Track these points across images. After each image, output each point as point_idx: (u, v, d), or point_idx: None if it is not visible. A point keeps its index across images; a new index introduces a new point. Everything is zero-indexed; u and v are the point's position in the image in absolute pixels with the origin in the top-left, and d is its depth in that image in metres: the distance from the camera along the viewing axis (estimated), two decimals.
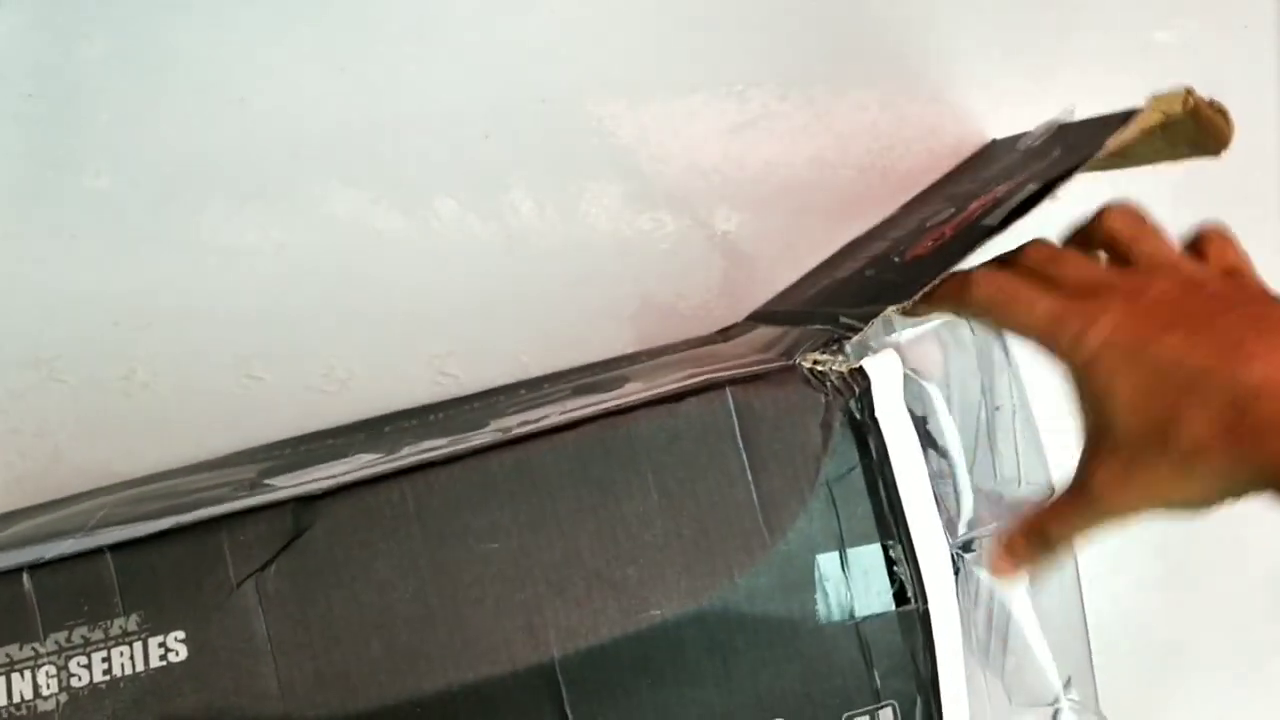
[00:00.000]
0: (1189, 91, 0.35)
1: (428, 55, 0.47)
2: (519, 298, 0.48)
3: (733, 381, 0.33)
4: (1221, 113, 0.35)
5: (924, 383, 0.37)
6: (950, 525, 0.37)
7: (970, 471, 0.38)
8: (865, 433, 0.34)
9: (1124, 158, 0.38)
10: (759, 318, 0.48)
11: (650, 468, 0.33)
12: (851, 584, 0.33)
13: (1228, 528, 0.50)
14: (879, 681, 0.33)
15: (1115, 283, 0.33)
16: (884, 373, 0.34)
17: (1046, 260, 0.34)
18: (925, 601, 0.33)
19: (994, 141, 0.50)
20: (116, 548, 0.31)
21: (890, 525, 0.33)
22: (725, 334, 0.48)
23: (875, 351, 0.34)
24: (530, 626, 0.32)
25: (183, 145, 0.46)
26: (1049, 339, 0.32)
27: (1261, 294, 0.32)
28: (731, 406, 0.33)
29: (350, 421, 0.46)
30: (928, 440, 0.36)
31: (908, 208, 0.49)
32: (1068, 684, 0.39)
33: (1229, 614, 0.53)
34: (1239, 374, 0.29)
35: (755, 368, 0.34)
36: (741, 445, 0.33)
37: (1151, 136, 0.36)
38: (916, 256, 0.38)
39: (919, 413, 0.37)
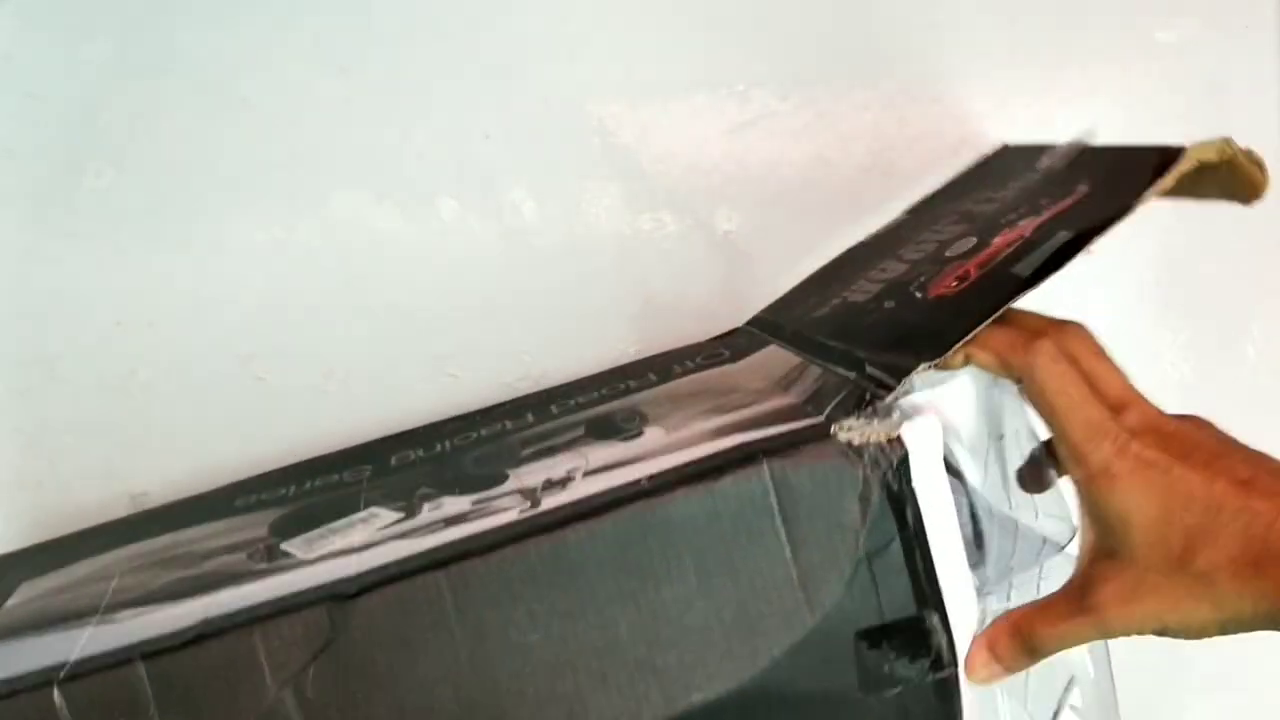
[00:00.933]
0: (1227, 141, 0.35)
1: (428, 55, 0.47)
2: (520, 298, 0.48)
3: (768, 452, 0.32)
4: (1258, 164, 0.35)
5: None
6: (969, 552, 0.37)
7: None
8: (903, 503, 0.33)
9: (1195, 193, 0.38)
10: (763, 325, 0.47)
11: (689, 550, 0.32)
12: (891, 656, 0.33)
13: None
14: None
15: (1141, 405, 0.34)
16: (923, 439, 0.33)
17: (1092, 356, 0.34)
18: (956, 665, 0.33)
19: (1006, 148, 0.50)
20: (147, 655, 0.30)
21: (926, 594, 0.33)
22: (729, 343, 0.47)
23: (909, 414, 0.34)
24: (572, 716, 0.31)
25: (183, 145, 0.46)
26: (1081, 450, 0.33)
27: (1246, 447, 0.33)
28: (770, 483, 0.32)
29: (351, 446, 0.46)
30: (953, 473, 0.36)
31: (916, 214, 0.49)
32: (1069, 685, 0.39)
33: None
34: (1254, 506, 0.30)
35: (788, 427, 0.34)
36: (780, 523, 0.32)
37: (1182, 180, 0.36)
38: (940, 295, 0.38)
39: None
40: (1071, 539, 0.37)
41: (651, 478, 0.33)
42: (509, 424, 0.43)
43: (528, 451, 0.39)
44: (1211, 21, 0.52)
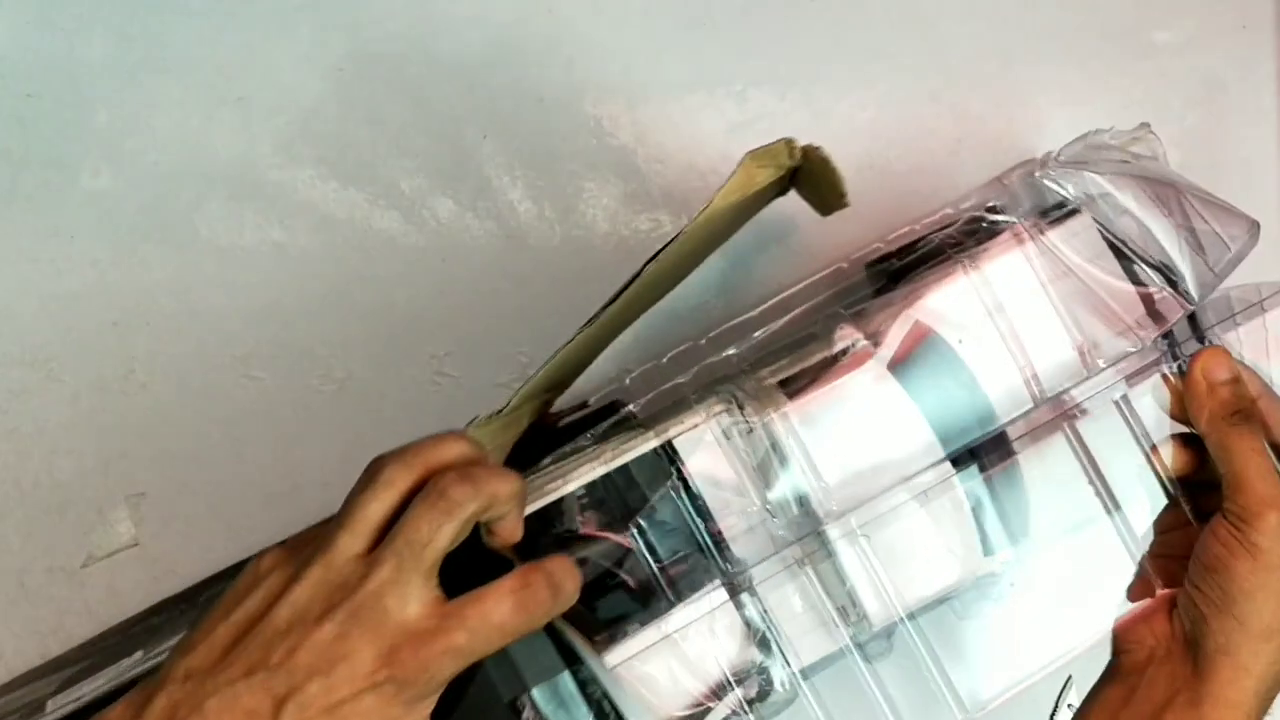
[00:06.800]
0: (788, 141, 0.36)
1: (425, 55, 0.47)
2: (517, 298, 0.48)
3: None
4: (826, 161, 0.36)
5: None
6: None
7: None
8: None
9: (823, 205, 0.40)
10: None
11: None
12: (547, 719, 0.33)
13: None
14: None
15: None
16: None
17: None
18: (620, 714, 0.33)
19: None
20: None
21: (564, 652, 0.33)
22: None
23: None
24: None
25: (182, 145, 0.46)
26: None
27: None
28: None
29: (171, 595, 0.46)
30: None
31: None
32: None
33: None
34: None
35: None
36: None
37: (813, 185, 0.38)
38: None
39: None
40: None
41: None
42: None
43: None
44: (1210, 22, 0.52)
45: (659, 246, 0.37)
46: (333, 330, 0.47)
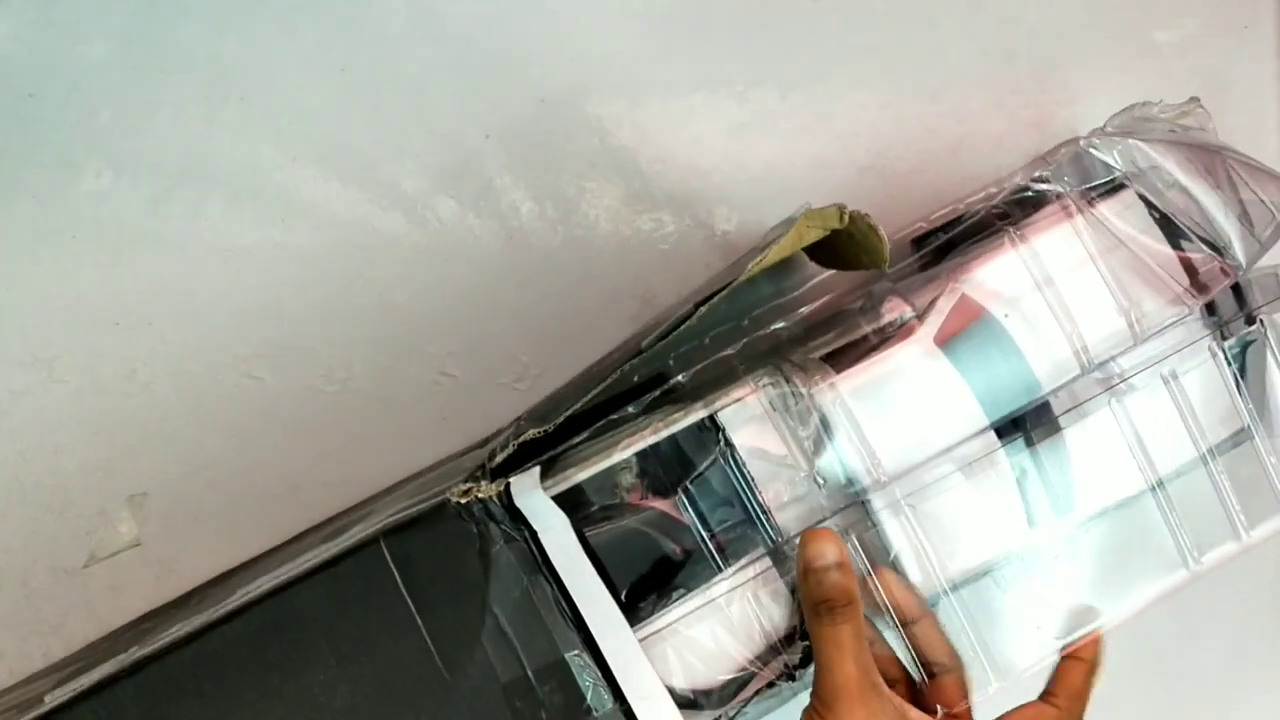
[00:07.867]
0: (840, 206, 0.37)
1: (428, 55, 0.47)
2: (519, 298, 0.48)
3: (387, 533, 0.34)
4: (874, 229, 0.37)
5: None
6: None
7: None
8: (529, 548, 0.34)
9: (846, 264, 0.41)
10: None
11: (323, 636, 0.33)
12: (545, 703, 0.34)
13: None
14: None
15: None
16: (525, 484, 0.34)
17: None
18: (623, 699, 0.34)
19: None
20: None
21: (570, 634, 0.34)
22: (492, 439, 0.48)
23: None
24: None
25: (182, 145, 0.46)
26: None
27: None
28: (389, 559, 0.34)
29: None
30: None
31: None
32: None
33: (1230, 614, 0.53)
34: None
35: (410, 512, 0.35)
36: (407, 595, 0.34)
37: (849, 246, 0.38)
38: (591, 369, 0.39)
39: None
40: None
41: (284, 580, 0.34)
42: (294, 545, 0.45)
43: (276, 563, 0.41)
44: (1211, 21, 0.52)
45: (709, 290, 0.37)
46: (335, 330, 0.47)
